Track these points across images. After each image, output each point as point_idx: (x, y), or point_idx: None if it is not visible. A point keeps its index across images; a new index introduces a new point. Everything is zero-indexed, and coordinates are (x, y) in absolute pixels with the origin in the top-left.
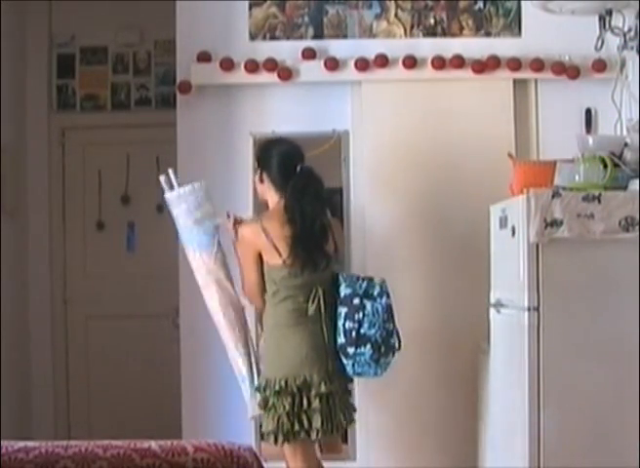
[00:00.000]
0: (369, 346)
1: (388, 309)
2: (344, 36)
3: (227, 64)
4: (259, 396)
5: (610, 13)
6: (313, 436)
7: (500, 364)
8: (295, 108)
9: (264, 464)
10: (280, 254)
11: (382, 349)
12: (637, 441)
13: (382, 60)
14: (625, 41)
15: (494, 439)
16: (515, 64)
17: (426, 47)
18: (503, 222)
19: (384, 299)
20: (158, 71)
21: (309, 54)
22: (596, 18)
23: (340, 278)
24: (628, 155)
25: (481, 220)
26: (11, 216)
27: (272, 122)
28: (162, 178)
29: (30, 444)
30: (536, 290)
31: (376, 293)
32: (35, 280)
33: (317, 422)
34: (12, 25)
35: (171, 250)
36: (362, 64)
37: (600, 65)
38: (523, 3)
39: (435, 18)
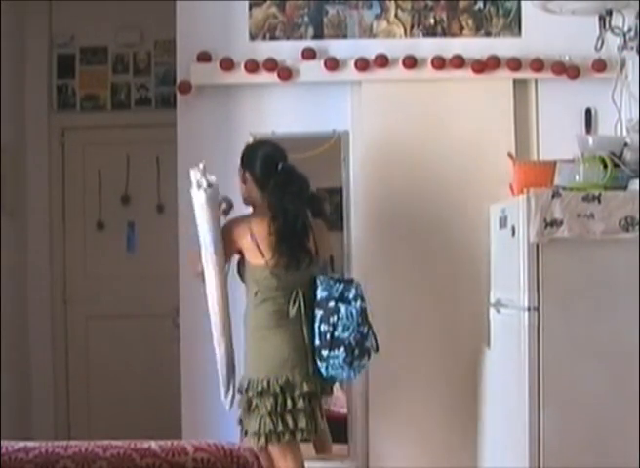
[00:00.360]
0: (342, 349)
1: (363, 313)
2: (344, 36)
3: (227, 64)
4: (240, 396)
5: (610, 13)
6: (298, 436)
7: (500, 364)
8: (295, 108)
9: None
10: (263, 255)
11: (356, 352)
12: (637, 441)
13: (382, 60)
14: (625, 41)
15: (494, 439)
16: (515, 64)
17: (426, 47)
18: (503, 222)
19: (359, 303)
20: (158, 71)
21: (309, 54)
22: (596, 18)
23: (318, 281)
24: (628, 155)
25: (481, 220)
26: (11, 216)
27: (272, 122)
28: (193, 174)
29: (30, 444)
30: (536, 290)
31: (351, 297)
32: (35, 280)
33: (302, 422)
34: (12, 25)
35: (171, 250)
36: (362, 64)
37: (600, 65)
38: (523, 3)
39: (435, 18)
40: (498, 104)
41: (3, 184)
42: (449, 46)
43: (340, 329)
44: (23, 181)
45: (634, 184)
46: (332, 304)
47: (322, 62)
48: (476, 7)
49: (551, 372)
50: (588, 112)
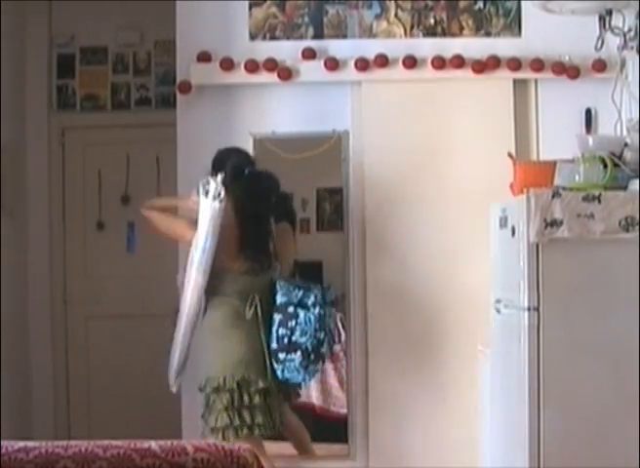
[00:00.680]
0: (299, 353)
1: (321, 319)
2: (344, 36)
3: (227, 64)
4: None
5: (610, 13)
6: (256, 432)
7: (500, 364)
8: (295, 108)
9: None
10: (225, 259)
11: (312, 357)
12: (637, 441)
13: (382, 60)
14: (625, 41)
15: (494, 439)
16: (515, 64)
17: (426, 47)
18: (503, 222)
19: (317, 309)
20: (158, 71)
21: (309, 54)
22: (596, 18)
23: (278, 286)
24: (628, 155)
25: (481, 220)
26: (11, 216)
27: (272, 122)
28: (213, 184)
29: (30, 444)
30: (536, 290)
31: (310, 303)
32: (35, 280)
33: (259, 418)
34: (12, 25)
35: (171, 250)
36: (362, 64)
37: (600, 65)
38: (523, 3)
39: (435, 18)
40: (498, 104)
41: (3, 184)
42: (449, 46)
43: (297, 333)
44: (23, 181)
45: (634, 184)
46: (291, 309)
47: (322, 62)
48: (476, 7)
49: (551, 372)
50: (588, 112)
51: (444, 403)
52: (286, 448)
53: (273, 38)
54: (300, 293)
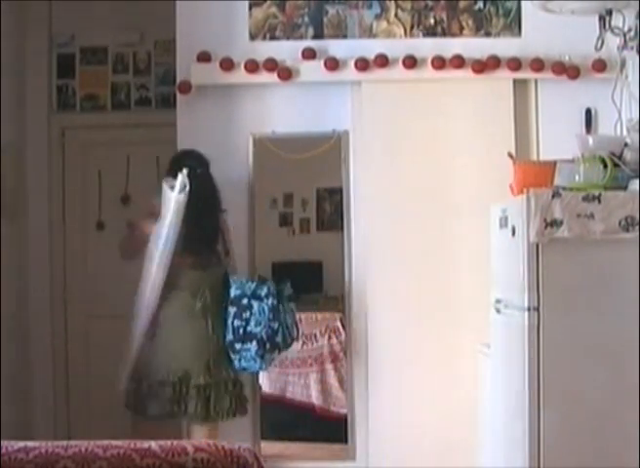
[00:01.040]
0: (254, 343)
1: (274, 309)
2: (344, 36)
3: (227, 64)
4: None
5: (610, 13)
6: (189, 419)
7: (500, 364)
8: (295, 108)
9: (264, 464)
10: (174, 255)
11: (267, 346)
12: (637, 441)
13: (382, 60)
14: (625, 41)
15: (494, 439)
16: (515, 64)
17: (426, 47)
18: (503, 222)
19: (271, 300)
20: (158, 71)
21: (309, 54)
22: (596, 18)
23: (231, 280)
24: (628, 155)
25: (481, 220)
26: (11, 217)
27: (272, 122)
28: (181, 178)
29: (30, 444)
30: (536, 290)
31: (263, 294)
32: (35, 280)
33: (192, 408)
34: (12, 25)
35: None
36: (362, 64)
37: (600, 65)
38: (523, 3)
39: (435, 18)
40: (498, 104)
41: (3, 184)
42: (449, 46)
43: (252, 323)
44: (23, 182)
45: (634, 184)
46: (245, 301)
47: (322, 62)
48: (476, 7)
49: (551, 372)
50: (588, 112)
51: (444, 403)
52: (286, 448)
53: (273, 38)
54: (254, 286)
